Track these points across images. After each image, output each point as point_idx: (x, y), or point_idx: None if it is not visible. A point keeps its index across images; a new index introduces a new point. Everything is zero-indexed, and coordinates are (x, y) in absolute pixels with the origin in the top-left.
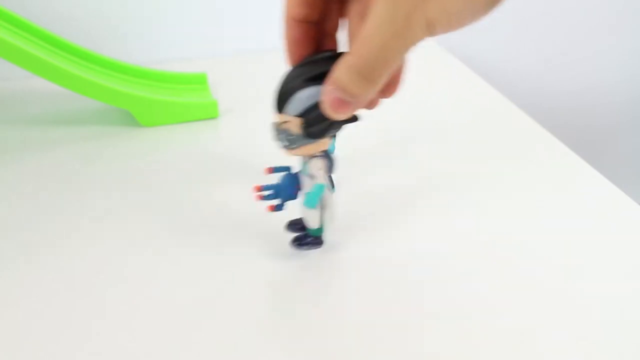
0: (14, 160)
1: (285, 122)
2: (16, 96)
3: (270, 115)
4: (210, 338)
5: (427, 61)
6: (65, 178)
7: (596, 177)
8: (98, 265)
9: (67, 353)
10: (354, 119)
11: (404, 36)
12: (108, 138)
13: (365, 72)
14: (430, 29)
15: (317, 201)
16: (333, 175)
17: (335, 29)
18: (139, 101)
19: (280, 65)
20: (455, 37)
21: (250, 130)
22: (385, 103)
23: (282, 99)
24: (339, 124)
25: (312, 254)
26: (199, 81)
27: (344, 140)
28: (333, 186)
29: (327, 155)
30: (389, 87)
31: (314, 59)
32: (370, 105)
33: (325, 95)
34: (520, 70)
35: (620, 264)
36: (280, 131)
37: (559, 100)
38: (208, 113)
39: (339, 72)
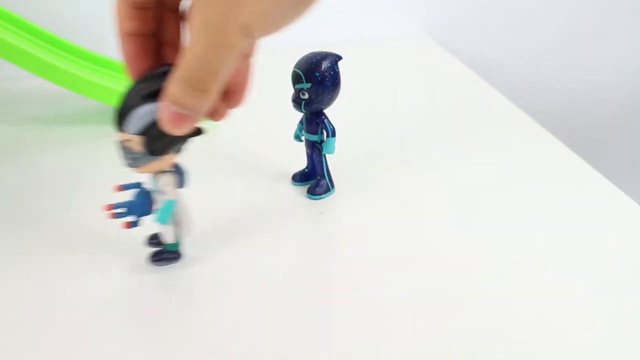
0: (13, 160)
1: (127, 140)
2: (16, 96)
3: (271, 115)
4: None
5: (426, 61)
6: (65, 178)
7: (596, 176)
8: (94, 264)
9: None
10: (197, 132)
11: (222, 44)
12: (108, 138)
13: (195, 84)
14: (247, 34)
15: (168, 217)
16: (332, 176)
17: (176, 38)
18: None
19: (279, 66)
20: (454, 35)
21: (250, 130)
22: (386, 102)
23: (121, 117)
24: (182, 139)
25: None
26: None
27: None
28: (332, 186)
29: (177, 170)
30: (233, 96)
31: (151, 74)
32: (216, 116)
33: (162, 111)
34: (519, 69)
35: (620, 264)
36: (124, 149)
37: (559, 99)
38: None
39: (171, 86)
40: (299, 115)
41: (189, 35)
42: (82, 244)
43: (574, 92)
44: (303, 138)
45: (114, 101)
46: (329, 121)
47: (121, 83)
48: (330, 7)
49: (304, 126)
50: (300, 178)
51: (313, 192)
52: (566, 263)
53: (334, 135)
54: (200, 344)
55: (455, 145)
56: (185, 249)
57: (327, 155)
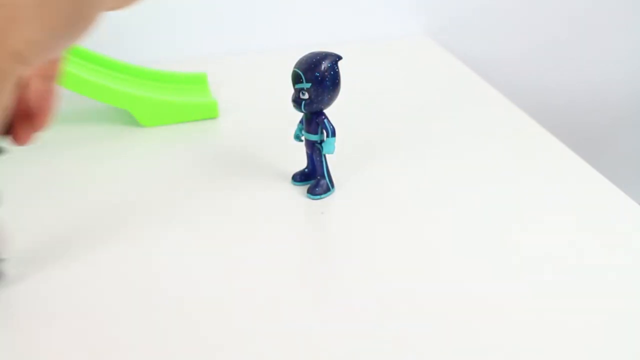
0: (13, 160)
1: None
2: None
3: (271, 115)
4: None
5: (426, 61)
6: (64, 178)
7: (596, 176)
8: (95, 267)
9: None
10: None
11: None
12: (108, 138)
13: None
14: (19, 61)
15: None
16: (332, 176)
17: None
18: (139, 101)
19: (280, 66)
20: (454, 35)
21: (250, 130)
22: (386, 102)
23: None
24: None
25: None
26: (199, 81)
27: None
28: (332, 186)
29: None
30: (37, 119)
31: None
32: (19, 140)
33: None
34: (520, 69)
35: (620, 264)
36: None
37: (559, 99)
38: (208, 113)
39: None
40: (299, 115)
41: None
42: None
43: (574, 92)
44: (303, 138)
45: (114, 101)
46: (329, 121)
47: (121, 83)
48: (330, 7)
49: (304, 126)
50: (300, 178)
51: (313, 192)
52: (566, 263)
53: (334, 135)
54: None
55: (455, 145)
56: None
57: (327, 155)
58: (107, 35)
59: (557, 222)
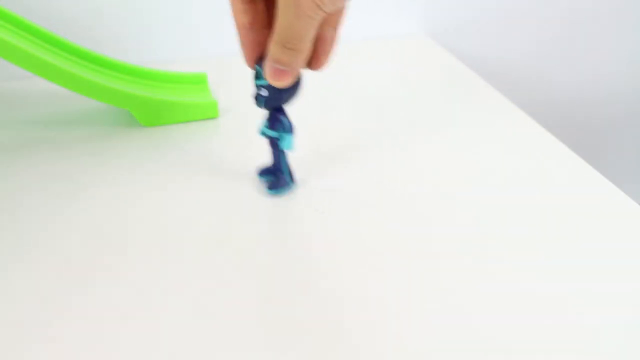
0: (13, 160)
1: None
2: (16, 96)
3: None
4: None
5: (426, 61)
6: (64, 178)
7: (596, 176)
8: (93, 265)
9: None
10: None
11: (300, 15)
12: (108, 138)
13: (287, 44)
14: (319, 8)
15: None
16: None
17: None
18: (139, 101)
19: None
20: (454, 35)
21: (250, 130)
22: (385, 102)
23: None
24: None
25: None
26: (199, 81)
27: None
28: (292, 181)
29: None
30: (314, 60)
31: None
32: (314, 65)
33: (265, 68)
34: (520, 69)
35: (620, 265)
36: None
37: (559, 99)
38: (208, 113)
39: (270, 47)
40: (300, 115)
41: (277, 7)
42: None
43: (574, 91)
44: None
45: (114, 101)
46: (286, 117)
47: (121, 83)
48: None
49: (266, 122)
50: (264, 172)
51: (271, 187)
52: (565, 264)
53: (291, 131)
54: None
55: (455, 145)
56: None
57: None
58: (107, 35)
59: (556, 222)
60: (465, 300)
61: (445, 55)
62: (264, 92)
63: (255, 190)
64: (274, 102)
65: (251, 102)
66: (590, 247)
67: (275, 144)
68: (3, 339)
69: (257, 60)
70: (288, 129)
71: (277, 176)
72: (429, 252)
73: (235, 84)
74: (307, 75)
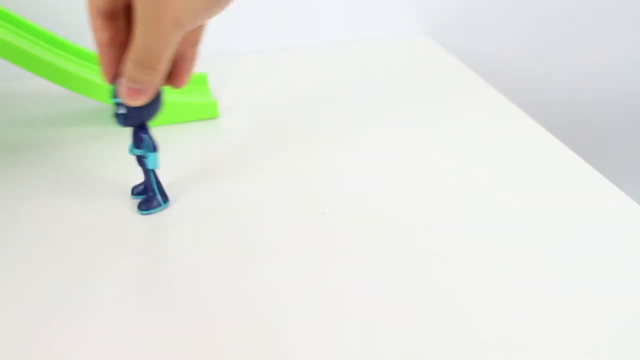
0: (13, 160)
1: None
2: (16, 96)
3: (270, 115)
4: None
5: (426, 61)
6: (64, 178)
7: (596, 176)
8: (95, 266)
9: None
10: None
11: (159, 33)
12: (108, 138)
13: (143, 63)
14: (178, 26)
15: None
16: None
17: None
18: None
19: (280, 66)
20: (454, 35)
21: (250, 130)
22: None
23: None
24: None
25: None
26: (199, 81)
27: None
28: (165, 201)
29: None
30: (176, 78)
31: None
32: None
33: (120, 87)
34: (520, 69)
35: (620, 265)
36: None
37: (559, 99)
38: (208, 113)
39: (126, 66)
40: (301, 115)
41: (135, 24)
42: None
43: (573, 91)
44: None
45: None
46: (149, 136)
47: None
48: (330, 7)
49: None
50: (137, 192)
51: (142, 208)
52: (565, 264)
53: (154, 150)
54: None
55: (455, 145)
56: None
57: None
58: None
59: (557, 222)
60: (465, 300)
61: (445, 55)
62: (122, 110)
63: (255, 189)
64: (134, 120)
65: (251, 102)
66: (590, 247)
67: (142, 162)
68: (8, 336)
69: (116, 77)
70: (151, 147)
71: (148, 196)
72: (429, 252)
73: (235, 84)
74: (308, 77)
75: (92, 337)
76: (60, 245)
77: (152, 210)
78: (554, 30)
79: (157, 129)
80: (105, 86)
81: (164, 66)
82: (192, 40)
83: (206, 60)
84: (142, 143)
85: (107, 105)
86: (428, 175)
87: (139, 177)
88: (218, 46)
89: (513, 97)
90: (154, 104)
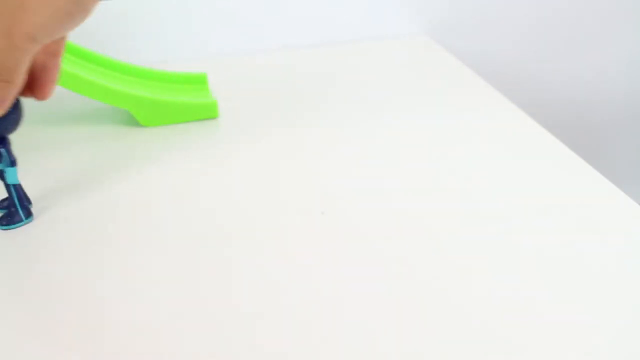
0: None
1: None
2: None
3: (270, 114)
4: None
5: (426, 61)
6: (64, 178)
7: (596, 176)
8: (96, 267)
9: None
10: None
11: (12, 48)
12: (108, 138)
13: None
14: (32, 40)
15: None
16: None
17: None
18: (139, 101)
19: (280, 66)
20: (454, 35)
21: (250, 130)
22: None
23: None
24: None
25: None
26: (199, 81)
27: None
28: (27, 216)
29: None
30: (39, 89)
31: None
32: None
33: None
34: (520, 69)
35: (620, 265)
36: None
37: (559, 99)
38: (208, 113)
39: None
40: (301, 115)
41: None
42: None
43: (573, 91)
44: None
45: (114, 101)
46: (8, 150)
47: (121, 83)
48: (330, 7)
49: None
50: (2, 206)
51: (2, 223)
52: (565, 264)
53: (13, 165)
54: None
55: (455, 145)
56: None
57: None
58: (107, 35)
59: (557, 222)
60: (464, 300)
61: (445, 55)
62: None
63: (254, 189)
64: None
65: (251, 102)
66: (590, 247)
67: (3, 177)
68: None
69: None
70: (8, 162)
71: (9, 211)
72: (429, 252)
73: (235, 84)
74: (308, 77)
75: None
76: None
77: (13, 226)
78: (554, 30)
79: (157, 129)
80: (105, 86)
81: (18, 79)
82: (52, 51)
83: (206, 60)
84: (1, 157)
85: (107, 105)
86: (428, 175)
87: (138, 177)
88: (218, 46)
89: (513, 97)
90: (11, 117)
